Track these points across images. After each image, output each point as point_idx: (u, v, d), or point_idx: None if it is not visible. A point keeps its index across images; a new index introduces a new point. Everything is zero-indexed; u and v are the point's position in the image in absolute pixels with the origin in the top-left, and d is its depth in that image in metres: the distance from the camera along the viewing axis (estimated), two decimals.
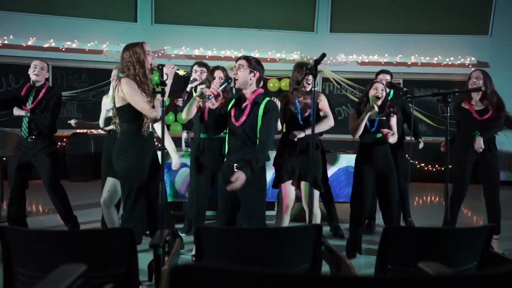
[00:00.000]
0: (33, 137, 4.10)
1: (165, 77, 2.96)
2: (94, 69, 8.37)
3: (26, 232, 1.98)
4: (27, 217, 4.30)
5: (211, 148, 3.71)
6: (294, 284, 0.88)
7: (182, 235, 4.37)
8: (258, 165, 2.91)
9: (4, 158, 5.26)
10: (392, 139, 3.68)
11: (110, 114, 3.91)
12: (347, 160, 5.13)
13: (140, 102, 2.92)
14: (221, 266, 0.89)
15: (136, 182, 3.00)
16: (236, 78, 2.96)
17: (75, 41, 8.28)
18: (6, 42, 8.03)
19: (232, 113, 3.05)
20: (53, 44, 8.18)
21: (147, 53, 3.03)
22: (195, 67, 3.93)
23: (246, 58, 3.01)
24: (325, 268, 2.13)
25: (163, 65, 3.04)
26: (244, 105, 3.02)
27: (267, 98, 3.04)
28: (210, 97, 2.92)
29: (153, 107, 2.96)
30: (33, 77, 4.14)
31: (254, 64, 2.97)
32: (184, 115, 3.54)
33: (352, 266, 1.93)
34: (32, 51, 8.04)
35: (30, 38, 8.09)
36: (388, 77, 4.43)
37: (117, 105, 3.02)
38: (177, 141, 5.02)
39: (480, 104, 4.06)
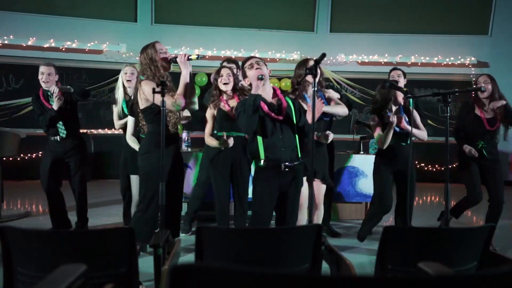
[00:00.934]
0: (68, 135, 4.17)
1: (183, 70, 3.02)
2: (94, 69, 8.37)
3: (26, 232, 1.98)
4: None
5: (234, 145, 3.59)
6: (294, 284, 0.88)
7: (182, 234, 4.37)
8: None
9: (4, 158, 5.26)
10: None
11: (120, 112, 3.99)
12: (348, 160, 5.13)
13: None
14: (221, 266, 0.89)
15: (154, 184, 3.01)
16: (263, 73, 2.98)
17: (75, 41, 8.27)
18: (6, 42, 8.02)
19: (269, 111, 2.97)
20: (53, 44, 8.17)
21: (159, 52, 3.09)
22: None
23: (258, 57, 3.11)
24: (325, 268, 2.13)
25: (175, 57, 3.08)
26: (275, 99, 3.05)
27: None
28: (262, 77, 2.91)
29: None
30: (42, 85, 4.17)
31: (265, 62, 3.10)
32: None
33: (352, 266, 1.93)
34: (32, 51, 8.04)
35: (30, 38, 8.09)
36: (400, 73, 4.44)
37: (141, 107, 3.12)
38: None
39: (490, 111, 4.09)
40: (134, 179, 3.64)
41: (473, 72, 8.85)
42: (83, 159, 4.32)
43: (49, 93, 4.17)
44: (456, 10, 9.02)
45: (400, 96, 3.80)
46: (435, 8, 9.01)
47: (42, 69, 4.18)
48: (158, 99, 2.90)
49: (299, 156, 3.00)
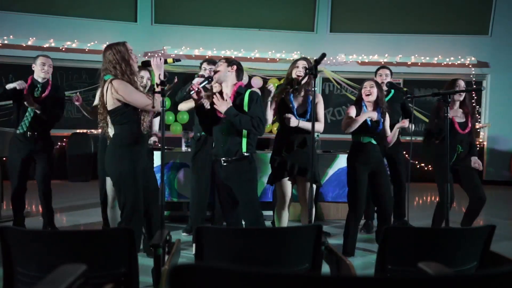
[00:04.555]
0: (35, 133, 4.10)
1: (156, 72, 2.93)
2: (94, 69, 8.29)
3: (26, 232, 1.99)
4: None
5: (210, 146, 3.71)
6: (294, 284, 0.88)
7: (183, 234, 4.38)
8: (239, 124, 3.04)
9: (4, 158, 5.25)
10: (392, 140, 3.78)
11: None
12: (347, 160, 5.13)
13: (141, 99, 2.89)
14: (221, 266, 0.89)
15: (131, 189, 2.91)
16: (215, 74, 3.16)
17: (75, 41, 8.27)
18: (6, 42, 8.02)
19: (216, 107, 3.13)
20: (53, 44, 8.17)
21: (130, 51, 2.99)
22: (204, 65, 3.97)
23: (224, 58, 3.28)
24: (325, 268, 2.13)
25: (148, 61, 3.00)
26: (226, 97, 3.14)
27: (249, 90, 3.19)
28: (191, 93, 3.00)
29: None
30: (41, 75, 4.14)
31: (231, 60, 3.21)
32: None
33: (352, 266, 1.93)
34: (32, 51, 8.01)
35: (30, 38, 8.09)
36: (387, 71, 4.41)
37: (110, 107, 2.92)
38: (177, 141, 5.03)
39: (461, 114, 3.98)
40: (109, 181, 3.55)
41: (473, 72, 8.85)
42: (51, 160, 4.27)
43: (38, 85, 4.15)
44: (456, 10, 9.02)
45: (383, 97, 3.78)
46: (435, 8, 9.01)
47: (43, 59, 4.16)
48: (135, 98, 2.87)
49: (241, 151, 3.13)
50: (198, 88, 3.02)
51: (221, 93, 3.22)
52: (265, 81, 8.65)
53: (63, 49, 8.23)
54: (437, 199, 4.09)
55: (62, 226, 4.69)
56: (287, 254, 1.94)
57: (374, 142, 3.71)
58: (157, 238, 2.32)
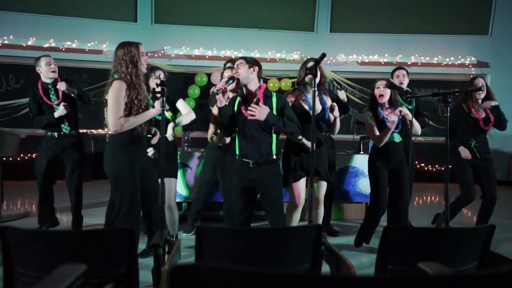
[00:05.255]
0: (71, 130, 4.14)
1: (156, 104, 2.95)
2: (94, 69, 8.36)
3: (26, 232, 1.98)
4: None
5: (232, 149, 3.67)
6: (294, 284, 0.88)
7: (184, 234, 4.38)
8: (284, 127, 3.02)
9: (4, 158, 5.25)
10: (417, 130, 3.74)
11: None
12: (348, 160, 5.13)
13: (112, 111, 2.87)
14: (221, 266, 0.89)
15: (128, 188, 2.92)
16: (238, 76, 3.07)
17: (75, 41, 8.27)
18: (6, 42, 8.02)
19: (243, 109, 3.08)
20: (53, 44, 8.17)
21: (141, 54, 2.99)
22: (228, 65, 4.03)
23: (243, 57, 3.20)
24: (325, 268, 2.13)
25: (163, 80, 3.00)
26: (255, 99, 3.09)
27: (274, 92, 3.19)
28: (218, 92, 2.97)
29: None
30: (51, 75, 4.10)
31: (251, 60, 3.13)
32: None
33: (352, 266, 1.94)
34: (32, 51, 8.02)
35: (30, 38, 8.09)
36: (404, 72, 4.42)
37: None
38: (177, 141, 5.03)
39: (482, 111, 4.14)
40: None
41: (473, 72, 8.84)
42: (81, 159, 4.25)
43: (49, 86, 4.13)
44: (456, 10, 9.02)
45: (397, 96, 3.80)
46: (435, 8, 9.01)
47: (46, 59, 4.11)
48: (110, 107, 2.86)
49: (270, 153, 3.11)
50: (225, 88, 3.03)
51: (243, 96, 3.16)
52: (265, 81, 8.65)
53: (63, 49, 8.23)
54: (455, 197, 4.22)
55: (62, 226, 4.68)
56: (287, 254, 1.94)
57: (396, 140, 3.71)
58: (157, 238, 2.32)
